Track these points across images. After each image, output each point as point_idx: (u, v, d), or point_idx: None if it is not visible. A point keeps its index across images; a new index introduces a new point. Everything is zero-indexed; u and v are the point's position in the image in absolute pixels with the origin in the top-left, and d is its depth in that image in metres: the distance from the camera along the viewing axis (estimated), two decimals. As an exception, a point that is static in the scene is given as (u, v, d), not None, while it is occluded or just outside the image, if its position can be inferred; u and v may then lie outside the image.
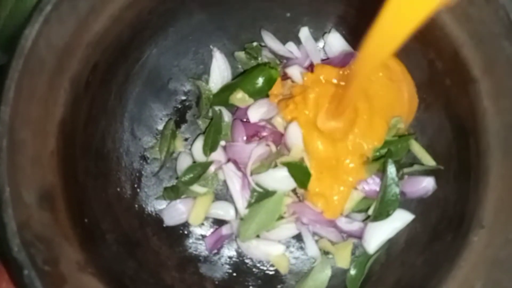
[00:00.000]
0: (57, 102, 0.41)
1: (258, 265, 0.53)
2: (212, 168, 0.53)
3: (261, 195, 0.49)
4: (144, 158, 0.55)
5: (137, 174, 0.54)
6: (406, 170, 0.52)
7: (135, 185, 0.54)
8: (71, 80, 0.42)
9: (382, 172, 0.49)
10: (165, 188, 0.54)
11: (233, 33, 0.55)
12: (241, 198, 0.50)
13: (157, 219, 0.53)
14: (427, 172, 0.51)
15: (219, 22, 0.55)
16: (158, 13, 0.50)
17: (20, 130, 0.38)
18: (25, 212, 0.37)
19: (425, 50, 0.48)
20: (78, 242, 0.40)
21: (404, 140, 0.52)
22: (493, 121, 0.42)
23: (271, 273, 0.53)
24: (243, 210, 0.50)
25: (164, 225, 0.53)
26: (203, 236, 0.54)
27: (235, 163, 0.51)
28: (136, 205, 0.53)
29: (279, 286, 0.52)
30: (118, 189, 0.52)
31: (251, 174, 0.50)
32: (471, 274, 0.40)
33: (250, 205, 0.49)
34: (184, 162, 0.53)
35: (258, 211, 0.49)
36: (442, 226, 0.48)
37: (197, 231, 0.54)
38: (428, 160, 0.52)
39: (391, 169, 0.48)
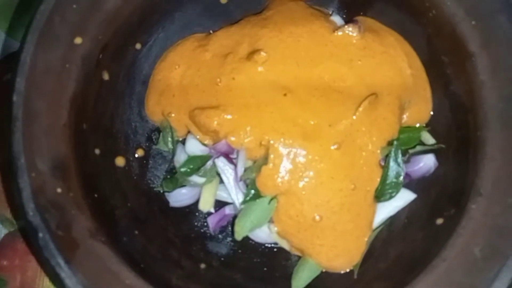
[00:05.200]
0: (70, 77, 0.43)
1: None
2: (210, 161, 0.54)
3: (256, 194, 0.50)
4: (151, 139, 0.57)
5: (144, 155, 0.56)
6: (410, 151, 0.53)
7: (143, 165, 0.55)
8: (83, 57, 0.44)
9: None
10: (164, 179, 0.55)
11: (238, 17, 0.57)
12: (235, 190, 0.51)
13: (164, 198, 0.55)
14: (427, 151, 0.52)
15: (224, 7, 0.57)
16: (166, -3, 0.52)
17: (35, 101, 0.40)
18: (39, 179, 0.39)
19: (424, 30, 0.50)
20: (89, 211, 0.42)
21: (416, 130, 0.52)
22: (491, 95, 0.43)
23: (276, 249, 0.54)
24: (238, 201, 0.51)
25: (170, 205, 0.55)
26: (209, 214, 0.55)
27: (226, 156, 0.51)
28: (143, 184, 0.55)
29: (284, 262, 0.53)
30: (126, 168, 0.53)
31: (243, 176, 0.50)
32: (470, 241, 0.41)
33: (245, 202, 0.50)
34: (181, 154, 0.54)
35: (253, 209, 0.49)
36: (443, 201, 0.49)
37: (203, 209, 0.56)
38: (428, 139, 0.53)
39: (396, 151, 0.49)
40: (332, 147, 0.48)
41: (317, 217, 0.48)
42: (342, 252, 0.49)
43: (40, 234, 0.37)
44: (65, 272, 0.37)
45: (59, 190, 0.40)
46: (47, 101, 0.41)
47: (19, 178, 0.37)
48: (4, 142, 0.40)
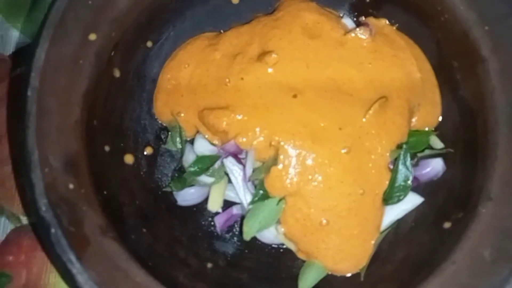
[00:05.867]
0: (82, 73, 0.43)
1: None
2: (218, 161, 0.54)
3: (265, 194, 0.50)
4: (160, 138, 0.57)
5: (153, 153, 0.56)
6: (418, 154, 0.53)
7: (151, 163, 0.55)
8: (96, 53, 0.44)
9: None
10: (172, 179, 0.56)
11: (248, 18, 0.57)
12: (243, 190, 0.51)
13: (171, 196, 0.55)
14: (435, 155, 0.53)
15: (235, 7, 0.57)
16: (177, -5, 0.52)
17: (48, 97, 0.40)
18: (51, 174, 0.39)
19: (434, 34, 0.50)
20: (100, 208, 0.42)
21: (425, 134, 0.53)
22: (500, 98, 0.44)
23: (282, 250, 0.54)
24: (246, 201, 0.51)
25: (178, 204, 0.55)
26: (216, 214, 0.55)
27: (235, 156, 0.52)
28: (152, 182, 0.55)
29: (290, 263, 0.53)
30: (135, 166, 0.53)
31: (251, 177, 0.50)
32: (479, 244, 0.41)
33: (253, 202, 0.50)
34: (190, 154, 0.54)
35: (261, 209, 0.49)
36: (450, 205, 0.49)
37: (210, 209, 0.56)
38: (437, 143, 0.54)
39: (405, 155, 0.49)
40: (342, 151, 0.48)
41: (324, 221, 0.48)
42: (349, 256, 0.49)
43: (53, 230, 0.37)
44: (76, 268, 0.37)
45: (71, 186, 0.40)
46: (60, 97, 0.41)
47: (32, 174, 0.37)
48: (16, 138, 0.40)
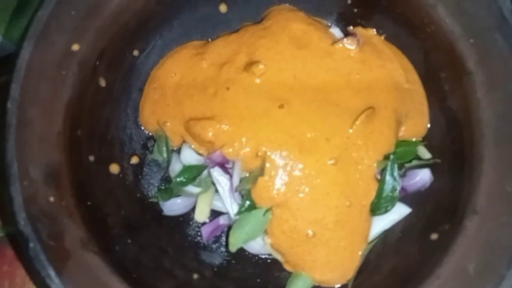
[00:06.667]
0: (65, 83, 0.42)
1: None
2: (205, 170, 0.53)
3: (251, 205, 0.49)
4: (146, 147, 0.56)
5: (139, 162, 0.55)
6: (406, 165, 0.53)
7: (137, 172, 0.55)
8: (79, 63, 0.44)
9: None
10: (159, 189, 0.55)
11: (236, 27, 0.57)
12: (230, 200, 0.51)
13: (157, 206, 0.54)
14: (422, 165, 0.53)
15: (223, 16, 0.57)
16: (165, 4, 0.52)
17: (29, 109, 0.39)
18: (31, 187, 0.38)
19: (421, 45, 0.50)
20: (81, 220, 0.41)
21: (413, 144, 0.52)
22: (486, 111, 0.44)
23: (269, 261, 0.54)
24: (232, 212, 0.50)
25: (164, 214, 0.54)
26: (203, 224, 0.55)
27: (222, 166, 0.51)
28: (138, 191, 0.54)
29: (277, 274, 0.53)
30: (121, 175, 0.53)
31: (238, 187, 0.49)
32: (464, 258, 0.41)
33: (240, 213, 0.49)
34: (176, 164, 0.54)
35: (248, 220, 0.49)
36: (437, 216, 0.49)
37: (197, 219, 0.55)
38: (424, 153, 0.53)
39: (393, 165, 0.49)
40: (329, 162, 0.47)
41: (311, 233, 0.48)
42: (336, 267, 0.49)
43: (31, 244, 0.36)
44: (55, 284, 0.36)
45: (51, 198, 0.39)
46: (42, 108, 0.40)
47: (11, 186, 0.37)
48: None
